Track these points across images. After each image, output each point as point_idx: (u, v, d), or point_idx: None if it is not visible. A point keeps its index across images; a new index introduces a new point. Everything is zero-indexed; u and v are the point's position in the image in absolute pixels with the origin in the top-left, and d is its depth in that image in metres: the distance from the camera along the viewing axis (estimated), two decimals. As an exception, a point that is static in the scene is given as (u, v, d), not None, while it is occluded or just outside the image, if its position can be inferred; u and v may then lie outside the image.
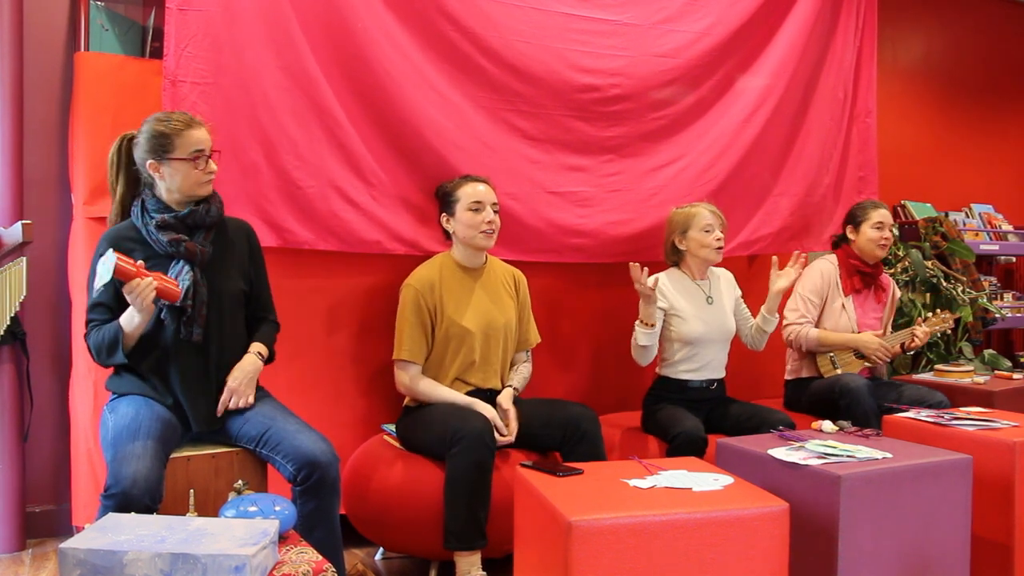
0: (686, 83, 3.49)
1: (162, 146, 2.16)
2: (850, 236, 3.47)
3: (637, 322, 2.86)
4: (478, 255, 2.82)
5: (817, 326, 3.36)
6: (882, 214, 3.41)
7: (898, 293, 3.65)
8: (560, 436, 2.60)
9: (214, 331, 2.21)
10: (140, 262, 2.07)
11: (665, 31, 3.44)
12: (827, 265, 3.45)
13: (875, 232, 3.39)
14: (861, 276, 3.43)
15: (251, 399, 2.25)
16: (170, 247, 2.15)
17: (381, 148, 2.93)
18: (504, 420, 2.63)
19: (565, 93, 3.24)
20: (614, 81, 3.32)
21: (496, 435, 2.55)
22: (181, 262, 2.16)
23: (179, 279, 2.13)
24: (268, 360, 2.34)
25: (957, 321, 4.21)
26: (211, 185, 2.23)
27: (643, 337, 2.85)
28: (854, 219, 3.47)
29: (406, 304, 2.71)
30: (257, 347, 2.31)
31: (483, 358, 2.75)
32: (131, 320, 2.08)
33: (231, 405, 2.22)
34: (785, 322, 3.36)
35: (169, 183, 2.18)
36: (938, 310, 3.59)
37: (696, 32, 3.48)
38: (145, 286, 2.02)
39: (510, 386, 2.79)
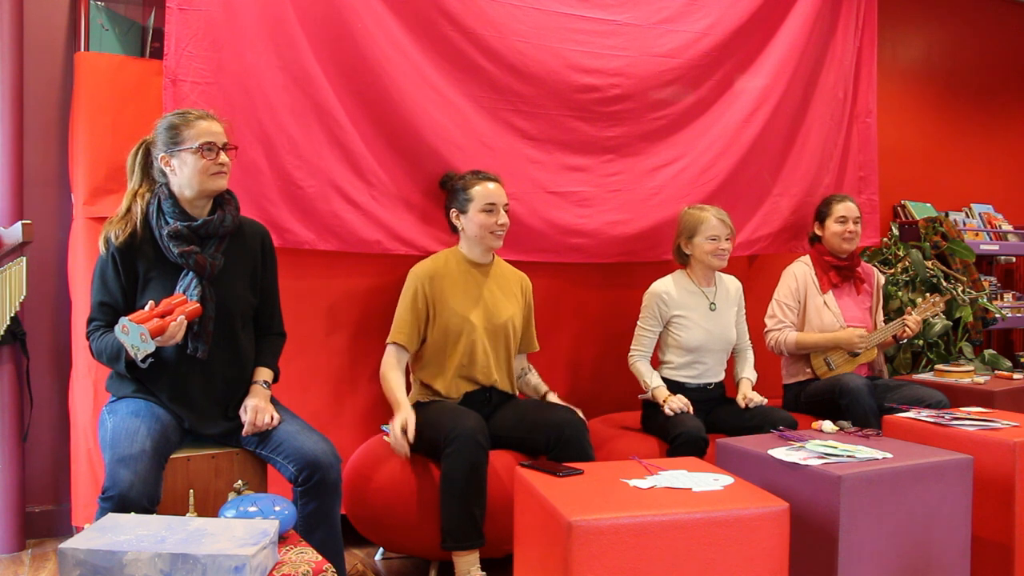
0: (686, 83, 3.49)
1: (172, 138, 2.15)
2: (818, 232, 3.50)
3: (654, 391, 2.92)
4: (486, 253, 2.83)
5: (802, 327, 3.36)
6: (845, 207, 3.42)
7: (882, 280, 3.62)
8: (544, 441, 2.59)
9: (220, 344, 2.18)
10: (151, 304, 2.02)
11: (665, 31, 3.44)
12: (801, 267, 3.45)
13: (838, 226, 3.40)
14: (837, 271, 3.43)
15: (276, 415, 2.21)
16: (180, 258, 2.12)
17: (381, 148, 2.93)
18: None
19: (565, 93, 3.24)
20: (614, 81, 3.32)
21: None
22: (190, 275, 2.13)
23: (187, 294, 2.10)
24: (274, 380, 2.32)
25: (957, 321, 4.21)
26: (224, 180, 2.19)
27: (645, 389, 2.98)
28: (820, 215, 3.50)
29: (406, 291, 2.76)
30: (263, 375, 2.28)
31: (485, 353, 2.75)
32: None
33: (259, 423, 2.17)
34: (765, 329, 3.38)
35: (180, 177, 2.16)
36: (927, 295, 3.57)
37: (696, 32, 3.48)
38: (178, 327, 2.00)
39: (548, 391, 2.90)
